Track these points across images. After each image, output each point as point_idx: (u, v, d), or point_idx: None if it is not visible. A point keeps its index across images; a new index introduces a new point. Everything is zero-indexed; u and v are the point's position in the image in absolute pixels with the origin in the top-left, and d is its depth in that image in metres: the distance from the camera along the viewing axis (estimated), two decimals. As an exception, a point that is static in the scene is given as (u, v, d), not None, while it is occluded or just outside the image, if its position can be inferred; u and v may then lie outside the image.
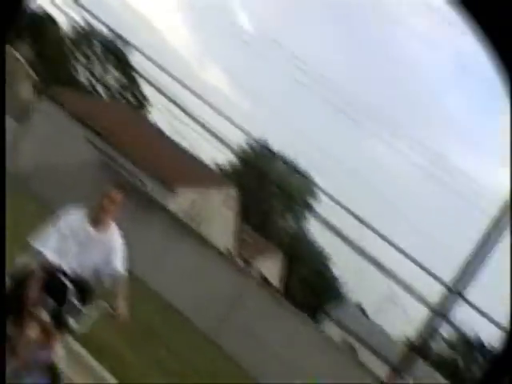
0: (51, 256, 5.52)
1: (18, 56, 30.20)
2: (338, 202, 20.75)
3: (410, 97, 72.78)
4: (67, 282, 5.38)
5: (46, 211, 14.88)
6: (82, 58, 56.31)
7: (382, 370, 18.97)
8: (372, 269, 20.04)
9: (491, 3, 1.87)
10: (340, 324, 41.81)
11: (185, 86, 22.12)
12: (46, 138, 20.94)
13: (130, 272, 5.89)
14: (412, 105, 72.79)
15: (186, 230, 21.71)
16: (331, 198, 21.19)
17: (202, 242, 21.17)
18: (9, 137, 20.94)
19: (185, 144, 37.46)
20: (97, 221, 5.71)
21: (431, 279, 16.58)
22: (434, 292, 17.23)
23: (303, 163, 71.86)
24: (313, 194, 56.48)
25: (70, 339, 6.31)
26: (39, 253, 5.52)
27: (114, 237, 5.80)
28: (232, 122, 23.02)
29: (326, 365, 18.18)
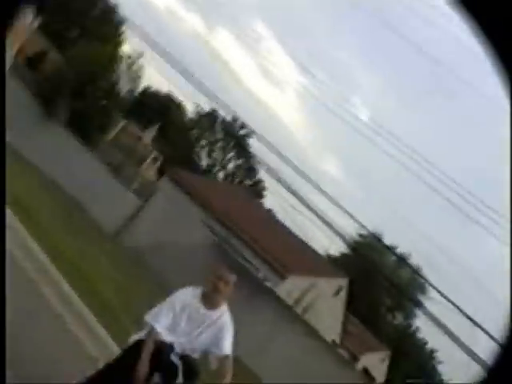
0: (163, 333, 5.62)
1: (146, 138, 31.72)
2: (449, 300, 20.12)
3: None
4: (177, 361, 5.44)
5: (159, 286, 15.34)
6: (203, 142, 58.25)
7: None
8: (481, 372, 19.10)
9: (491, 3, 1.88)
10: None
11: (301, 174, 22.54)
12: (165, 216, 21.65)
13: (236, 355, 5.91)
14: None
15: (293, 317, 21.61)
16: (442, 295, 20.59)
17: (309, 330, 20.98)
18: (130, 212, 21.87)
19: (297, 231, 37.59)
20: (209, 301, 5.78)
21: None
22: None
23: (415, 258, 70.16)
24: (423, 290, 54.92)
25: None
26: (152, 329, 5.63)
27: (224, 318, 5.82)
28: (346, 212, 23.11)
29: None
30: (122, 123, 29.76)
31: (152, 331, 5.62)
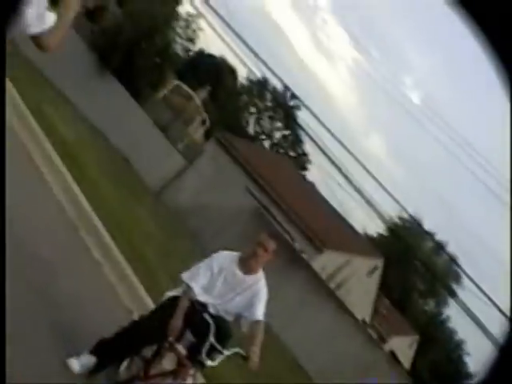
0: (199, 292, 5.69)
1: (197, 100, 31.75)
2: (482, 291, 19.94)
3: None
4: (210, 321, 5.50)
5: (197, 248, 15.49)
6: (253, 109, 58.19)
7: None
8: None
9: (491, 3, 1.83)
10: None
11: (347, 150, 22.39)
12: (209, 179, 21.76)
13: (267, 323, 5.95)
14: None
15: (326, 292, 21.66)
16: (476, 285, 20.41)
17: (340, 307, 21.02)
18: (175, 171, 22.03)
19: (338, 207, 37.50)
20: (246, 266, 5.82)
21: None
22: None
23: (452, 246, 69.52)
24: (458, 280, 54.48)
25: (199, 375, 6.47)
26: (188, 287, 5.70)
27: (260, 283, 5.86)
28: (388, 193, 22.95)
29: None
30: (174, 82, 29.78)
31: (188, 290, 5.68)
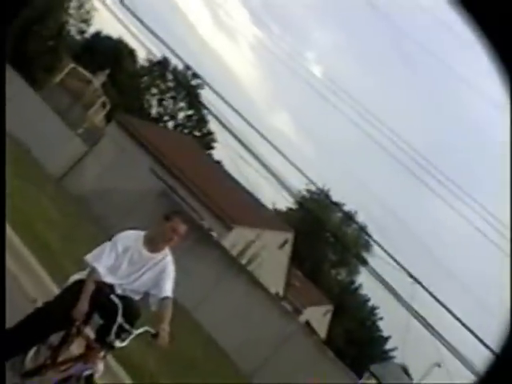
0: (104, 273, 5.57)
1: (96, 83, 31.09)
2: (392, 258, 20.49)
3: (484, 162, 71.96)
4: (116, 301, 5.40)
5: (103, 233, 15.19)
6: (154, 90, 57.55)
7: None
8: (421, 329, 19.65)
9: (491, 3, 1.87)
10: (381, 382, 40.92)
11: (252, 127, 22.40)
12: (112, 162, 21.38)
13: (178, 302, 5.89)
14: (484, 170, 71.84)
15: (238, 268, 21.76)
16: (386, 253, 20.94)
17: (253, 282, 21.16)
18: (76, 156, 21.53)
19: (246, 184, 37.66)
20: (153, 245, 5.75)
21: (480, 345, 16.17)
22: (482, 358, 16.79)
23: (362, 216, 71.10)
24: (368, 248, 55.93)
25: (110, 357, 6.36)
26: (92, 268, 5.57)
27: (166, 260, 5.78)
28: (295, 167, 23.15)
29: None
30: (70, 66, 29.03)
31: (92, 271, 5.55)
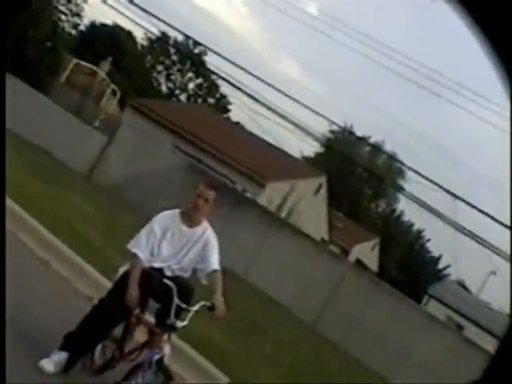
0: (146, 257, 5.62)
1: (101, 73, 31.07)
2: (428, 179, 20.42)
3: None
4: (169, 283, 5.46)
5: (141, 218, 15.35)
6: (160, 67, 57.39)
7: (491, 346, 18.49)
8: (469, 243, 19.66)
9: (491, 3, 1.85)
10: (442, 302, 41.04)
11: (262, 80, 22.31)
12: (134, 147, 21.45)
13: (228, 269, 5.95)
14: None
15: (279, 223, 21.83)
16: (421, 175, 20.88)
17: (296, 233, 21.22)
18: (98, 149, 21.65)
19: (268, 138, 37.63)
20: (190, 220, 5.76)
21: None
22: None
23: (389, 144, 70.65)
24: (402, 174, 55.69)
25: (175, 338, 6.47)
26: (134, 255, 5.62)
27: (207, 233, 5.80)
28: (313, 111, 23.07)
29: (432, 344, 17.96)
30: (73, 62, 29.02)
31: (135, 258, 5.61)
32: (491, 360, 2.06)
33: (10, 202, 10.32)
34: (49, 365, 5.56)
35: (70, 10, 41.52)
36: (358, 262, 38.21)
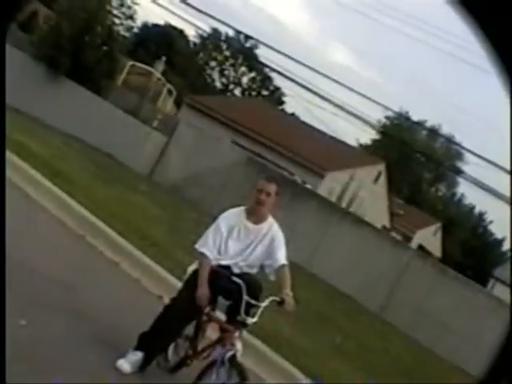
0: (215, 256, 5.72)
1: (156, 73, 31.46)
2: (486, 160, 20.07)
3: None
4: (238, 280, 5.52)
5: (204, 216, 15.54)
6: (213, 63, 57.76)
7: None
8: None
9: (491, 3, 1.86)
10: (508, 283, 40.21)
11: (315, 70, 22.29)
12: (194, 145, 21.66)
13: (291, 261, 6.01)
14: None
15: (340, 212, 21.80)
16: (479, 156, 20.55)
17: (358, 221, 21.16)
18: (159, 151, 21.95)
19: (325, 128, 37.55)
20: (255, 216, 5.82)
21: None
22: None
23: (445, 127, 69.54)
24: (460, 157, 54.77)
25: (246, 334, 6.56)
26: (203, 254, 5.72)
27: (274, 229, 5.86)
28: (368, 98, 22.94)
29: (501, 327, 17.69)
30: (128, 64, 29.46)
31: (203, 257, 5.71)
32: (492, 359, 2.07)
33: (76, 205, 10.61)
34: (125, 365, 5.71)
35: (123, 13, 42.20)
36: (421, 247, 37.82)
